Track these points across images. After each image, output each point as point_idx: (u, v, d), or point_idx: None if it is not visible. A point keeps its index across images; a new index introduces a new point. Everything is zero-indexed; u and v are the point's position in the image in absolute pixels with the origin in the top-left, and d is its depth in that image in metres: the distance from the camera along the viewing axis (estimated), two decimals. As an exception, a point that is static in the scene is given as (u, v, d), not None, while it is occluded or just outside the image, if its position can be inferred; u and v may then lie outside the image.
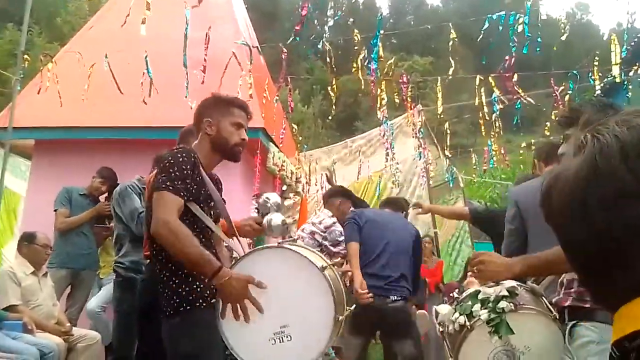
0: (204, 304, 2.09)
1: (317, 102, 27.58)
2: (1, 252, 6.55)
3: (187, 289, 2.10)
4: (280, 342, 1.95)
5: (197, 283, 2.12)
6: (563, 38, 5.58)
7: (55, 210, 5.06)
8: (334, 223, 4.63)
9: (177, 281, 2.11)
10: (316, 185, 9.80)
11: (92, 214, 5.04)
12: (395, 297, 3.55)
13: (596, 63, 6.30)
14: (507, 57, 5.95)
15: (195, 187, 2.13)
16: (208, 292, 2.10)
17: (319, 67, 27.53)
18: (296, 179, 7.88)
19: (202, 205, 2.17)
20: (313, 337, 1.96)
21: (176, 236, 1.96)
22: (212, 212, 2.28)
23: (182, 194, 2.05)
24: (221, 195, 2.42)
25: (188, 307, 2.09)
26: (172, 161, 2.09)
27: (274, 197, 5.19)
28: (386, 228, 3.84)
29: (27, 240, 4.51)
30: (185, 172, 2.08)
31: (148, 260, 3.21)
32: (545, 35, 6.36)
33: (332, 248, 4.52)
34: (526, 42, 5.73)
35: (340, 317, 1.98)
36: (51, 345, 3.95)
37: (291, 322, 1.95)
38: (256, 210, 5.67)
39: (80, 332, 4.54)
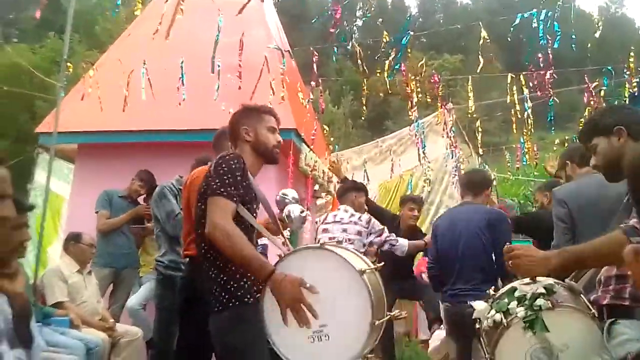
0: (252, 300, 2.17)
1: (347, 102, 27.58)
2: (47, 252, 6.79)
3: (235, 285, 2.18)
4: (318, 340, 1.99)
5: (245, 279, 2.20)
6: (597, 35, 5.48)
7: (96, 212, 5.26)
8: (369, 215, 4.63)
9: (225, 278, 2.19)
10: (347, 185, 9.85)
11: (132, 215, 5.22)
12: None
13: (632, 59, 6.18)
14: (540, 55, 5.89)
15: (243, 191, 2.22)
16: (255, 288, 2.18)
17: (349, 67, 27.53)
18: (328, 178, 7.95)
19: (248, 207, 2.26)
20: (350, 339, 1.99)
21: (231, 240, 2.05)
22: (256, 213, 2.37)
23: (234, 199, 2.16)
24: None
25: (237, 303, 2.17)
26: (225, 168, 2.19)
27: (291, 193, 5.28)
28: (455, 237, 3.59)
29: (74, 240, 4.69)
30: (237, 177, 2.19)
31: (187, 259, 3.35)
32: (579, 30, 6.27)
33: (377, 239, 4.45)
34: (557, 37, 5.66)
35: (377, 322, 2.00)
36: (96, 341, 4.11)
37: (330, 322, 1.99)
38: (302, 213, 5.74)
39: (123, 328, 4.70)
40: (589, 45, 5.33)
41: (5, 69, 19.26)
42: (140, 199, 5.43)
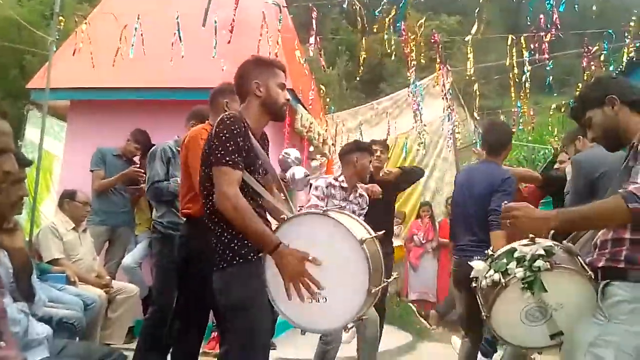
0: (255, 257, 2.20)
1: (342, 63, 27.18)
2: (39, 210, 6.79)
3: (239, 243, 2.21)
4: (316, 302, 2.05)
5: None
6: (601, -3, 5.38)
7: (91, 171, 5.23)
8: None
9: (229, 237, 2.22)
10: (341, 146, 9.83)
11: (122, 178, 5.15)
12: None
13: (632, 23, 6.09)
14: (541, 17, 5.80)
15: (245, 154, 2.21)
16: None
17: (344, 27, 27.03)
18: (323, 140, 7.93)
19: (251, 170, 2.26)
20: (346, 304, 2.06)
21: (238, 211, 2.08)
22: (260, 174, 2.37)
23: (240, 166, 2.16)
24: (268, 149, 2.50)
25: (240, 260, 2.20)
26: (227, 134, 2.17)
27: (294, 153, 5.24)
28: (468, 193, 3.58)
29: (69, 198, 4.68)
30: (239, 144, 2.17)
31: (185, 219, 3.36)
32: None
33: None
34: (562, 1, 5.57)
35: (374, 289, 2.05)
36: (93, 297, 4.15)
37: (328, 285, 2.04)
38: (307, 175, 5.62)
39: (119, 284, 4.76)
40: (594, 7, 5.21)
41: (-8, 22, 18.76)
42: (136, 158, 5.38)
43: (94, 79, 6.01)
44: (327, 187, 4.00)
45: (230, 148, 2.15)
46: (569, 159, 3.94)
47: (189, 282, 3.20)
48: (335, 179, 4.07)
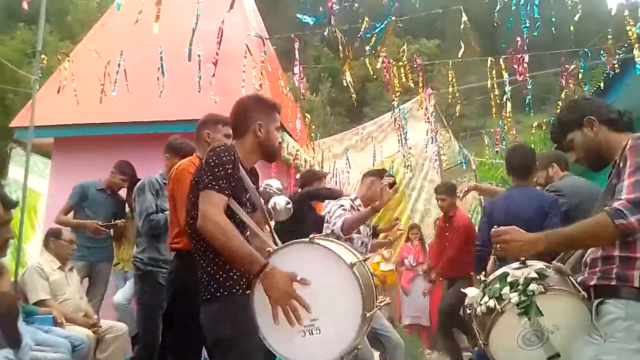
0: (240, 291, 2.17)
1: (325, 89, 27.49)
2: (24, 249, 6.67)
3: (224, 275, 2.19)
4: (310, 334, 2.00)
5: (234, 271, 2.21)
6: (576, 18, 5.54)
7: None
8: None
9: (215, 267, 2.20)
10: (329, 172, 9.86)
11: (81, 226, 4.96)
12: None
13: (610, 41, 6.26)
14: (518, 39, 5.93)
15: (234, 184, 2.21)
16: (244, 279, 2.19)
17: (326, 54, 27.40)
18: (310, 167, 7.94)
19: (240, 200, 2.25)
20: (341, 332, 2.00)
21: (224, 233, 2.05)
22: (248, 207, 2.36)
23: (226, 192, 2.15)
24: (258, 185, 2.51)
25: (225, 293, 2.18)
26: (216, 161, 2.18)
27: (275, 184, 5.24)
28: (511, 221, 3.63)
29: (54, 237, 4.61)
30: (228, 171, 2.18)
31: (174, 253, 3.32)
32: (552, 14, 6.32)
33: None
34: (537, 22, 5.71)
35: (368, 314, 2.02)
36: (81, 337, 4.06)
37: (321, 316, 2.00)
38: (287, 204, 5.62)
39: (108, 323, 4.65)
40: (571, 27, 5.36)
41: (-27, 62, 18.69)
42: (122, 191, 5.31)
43: (77, 115, 6.00)
44: (350, 208, 3.94)
45: (218, 174, 2.15)
46: (538, 183, 3.98)
47: (179, 319, 3.14)
48: (352, 201, 4.03)
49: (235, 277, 2.20)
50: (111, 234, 5.22)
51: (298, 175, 5.82)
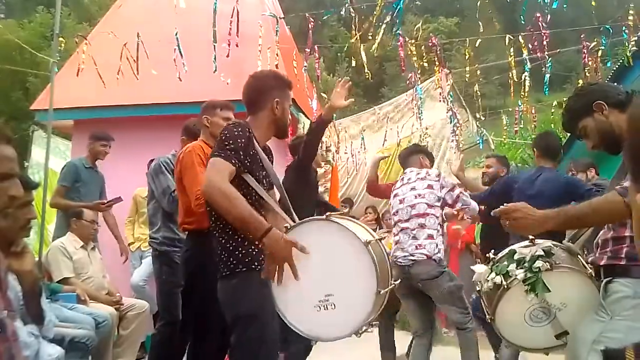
0: (259, 267, 2.21)
1: (342, 69, 27.32)
2: (47, 229, 6.84)
3: (243, 251, 2.23)
4: (325, 309, 2.04)
5: (252, 247, 2.25)
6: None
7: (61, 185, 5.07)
8: (437, 170, 4.44)
9: (233, 244, 2.24)
10: (346, 153, 9.87)
11: (83, 207, 4.92)
12: None
13: (630, 17, 6.10)
14: (538, 15, 5.81)
15: (249, 160, 2.24)
16: (262, 255, 2.21)
17: (343, 34, 27.15)
18: (326, 147, 7.96)
19: (256, 176, 2.28)
20: (355, 308, 2.04)
21: (226, 197, 2.06)
22: (265, 183, 2.38)
23: (233, 161, 2.16)
24: (272, 163, 2.52)
25: (244, 269, 2.22)
26: (227, 134, 2.21)
27: None
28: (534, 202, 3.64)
29: (76, 216, 4.72)
30: (239, 144, 2.20)
31: (186, 233, 3.39)
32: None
33: (449, 194, 3.99)
34: (557, -1, 5.59)
35: (382, 291, 2.04)
36: (104, 315, 4.17)
37: (335, 292, 2.03)
38: None
39: (130, 301, 4.77)
40: (592, 3, 5.23)
41: (-5, 46, 19.00)
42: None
43: (96, 97, 6.08)
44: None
45: (227, 146, 2.18)
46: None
47: (196, 296, 3.22)
48: (422, 179, 4.10)
49: (254, 253, 2.23)
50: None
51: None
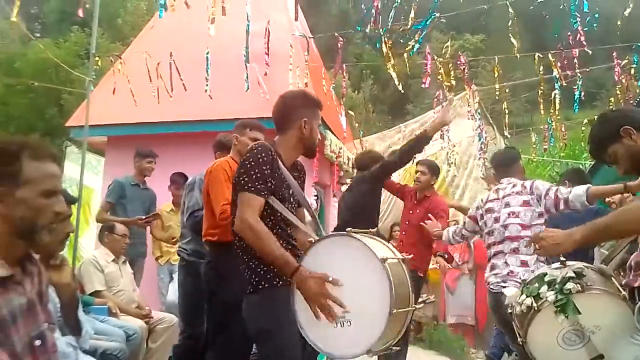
0: (280, 283, 2.24)
1: (367, 87, 27.38)
2: (79, 243, 7.00)
3: (265, 268, 2.27)
4: (341, 326, 2.05)
5: None
6: (626, 12, 5.37)
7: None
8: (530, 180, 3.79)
9: (255, 262, 2.28)
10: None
11: (124, 223, 4.97)
12: None
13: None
14: (569, 33, 5.78)
15: (274, 182, 2.28)
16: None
17: (368, 51, 27.27)
18: (352, 165, 7.98)
19: (281, 196, 2.32)
20: (370, 326, 2.03)
21: (257, 236, 2.14)
22: (292, 201, 2.42)
23: (262, 193, 2.23)
24: (304, 181, 2.57)
25: (266, 285, 2.26)
26: (253, 162, 2.25)
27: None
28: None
29: (108, 231, 4.81)
30: (265, 171, 2.25)
31: (209, 244, 3.44)
32: (604, 8, 6.13)
33: (548, 202, 3.43)
34: (587, 17, 5.57)
35: (396, 311, 2.00)
36: (134, 328, 4.23)
37: (352, 308, 2.04)
38: (315, 197, 5.63)
39: (159, 315, 4.83)
40: (619, 23, 5.18)
41: (32, 64, 19.63)
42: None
43: (130, 115, 6.24)
44: None
45: (254, 176, 2.22)
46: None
47: (218, 308, 3.26)
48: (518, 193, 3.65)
49: (275, 270, 2.26)
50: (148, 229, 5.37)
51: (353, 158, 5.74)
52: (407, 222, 4.82)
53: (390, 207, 9.05)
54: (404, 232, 4.86)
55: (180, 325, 4.20)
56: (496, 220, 3.56)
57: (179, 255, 4.23)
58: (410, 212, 4.81)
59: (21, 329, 1.48)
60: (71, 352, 2.25)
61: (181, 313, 4.05)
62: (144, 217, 5.13)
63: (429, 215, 4.47)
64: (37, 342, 1.53)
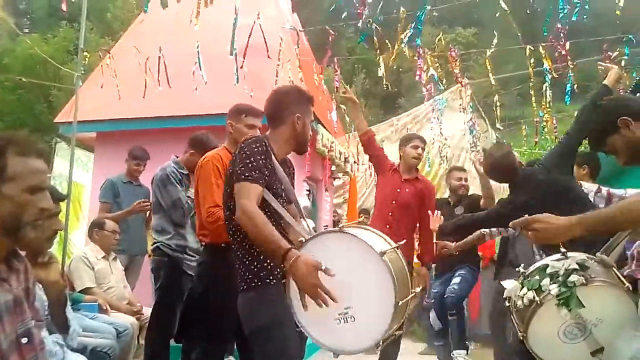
0: (274, 281, 2.22)
1: (360, 81, 27.34)
2: (70, 239, 6.92)
3: (258, 266, 2.24)
4: (345, 322, 2.02)
5: (268, 261, 2.25)
6: (621, 3, 5.34)
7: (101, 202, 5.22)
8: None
9: (249, 258, 2.25)
10: (364, 164, 9.85)
11: (128, 215, 5.03)
12: None
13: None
14: (559, 26, 5.76)
15: (267, 174, 2.25)
16: (278, 270, 2.22)
17: (361, 45, 27.18)
18: (344, 159, 7.95)
19: (273, 190, 2.28)
20: (375, 320, 2.01)
21: (253, 221, 2.09)
22: (283, 197, 2.39)
23: (260, 181, 2.19)
24: (294, 177, 2.53)
25: (259, 283, 2.23)
26: (248, 152, 2.22)
27: (303, 202, 5.21)
28: None
29: (98, 227, 4.76)
30: (260, 161, 2.22)
31: (203, 244, 3.38)
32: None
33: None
34: (575, 8, 5.54)
35: (401, 302, 2.00)
36: (125, 324, 4.19)
37: (354, 304, 2.01)
38: (307, 192, 5.57)
39: (150, 311, 4.79)
40: (617, 12, 5.16)
41: (21, 60, 19.43)
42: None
43: (119, 110, 6.16)
44: None
45: (250, 165, 2.19)
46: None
47: (212, 309, 3.21)
48: None
49: (269, 267, 2.24)
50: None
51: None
52: (394, 202, 4.34)
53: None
54: (390, 213, 4.33)
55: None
56: None
57: (161, 249, 4.12)
58: (398, 190, 4.38)
59: (7, 326, 1.46)
60: (58, 350, 2.20)
61: (155, 307, 4.05)
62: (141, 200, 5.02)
63: (428, 212, 4.36)
64: (24, 340, 1.51)
